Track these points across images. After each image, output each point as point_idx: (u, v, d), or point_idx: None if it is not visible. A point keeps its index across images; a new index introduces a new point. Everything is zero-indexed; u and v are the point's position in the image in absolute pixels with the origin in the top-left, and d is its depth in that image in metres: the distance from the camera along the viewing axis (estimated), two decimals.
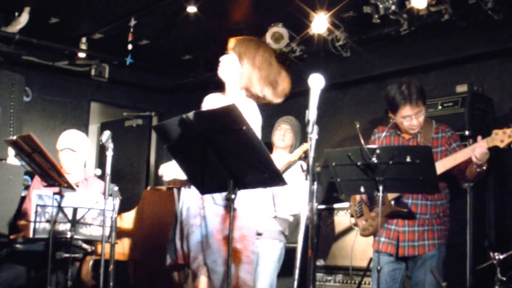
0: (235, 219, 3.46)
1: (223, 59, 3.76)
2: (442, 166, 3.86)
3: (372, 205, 4.33)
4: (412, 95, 4.01)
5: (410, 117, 4.06)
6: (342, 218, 5.62)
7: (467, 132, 4.92)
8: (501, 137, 3.76)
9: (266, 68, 3.72)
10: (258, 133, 3.51)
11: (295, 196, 5.01)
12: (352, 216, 4.53)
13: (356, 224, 4.47)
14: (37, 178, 5.16)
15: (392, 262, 4.15)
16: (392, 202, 4.13)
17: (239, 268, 3.49)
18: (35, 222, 4.43)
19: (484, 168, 3.86)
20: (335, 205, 5.72)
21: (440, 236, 4.09)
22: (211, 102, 3.79)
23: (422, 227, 4.07)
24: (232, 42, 3.78)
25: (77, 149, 5.19)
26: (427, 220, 4.07)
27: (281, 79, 3.78)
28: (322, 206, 5.76)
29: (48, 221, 4.42)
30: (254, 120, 3.56)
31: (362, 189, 3.83)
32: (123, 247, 5.32)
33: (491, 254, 4.02)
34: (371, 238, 4.35)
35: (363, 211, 4.38)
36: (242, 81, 3.70)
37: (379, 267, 3.80)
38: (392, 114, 4.18)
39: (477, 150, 3.78)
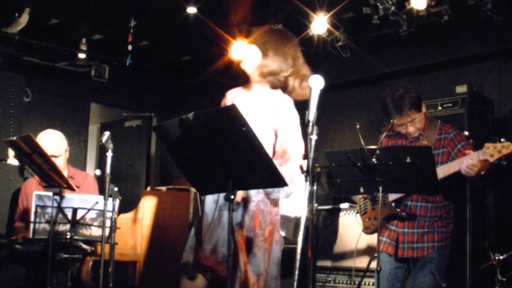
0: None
1: (246, 51, 3.62)
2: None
3: (374, 203, 4.33)
4: (403, 107, 4.00)
5: (404, 125, 4.08)
6: (342, 219, 5.62)
7: (466, 133, 4.90)
8: (491, 152, 3.73)
9: (291, 58, 3.59)
10: (298, 130, 3.46)
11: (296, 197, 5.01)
12: (357, 213, 4.54)
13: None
14: (36, 179, 5.16)
15: (394, 261, 4.15)
16: (393, 204, 4.14)
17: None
18: (34, 222, 4.43)
19: (482, 172, 3.85)
20: (335, 206, 5.73)
21: (441, 239, 4.07)
22: (238, 98, 3.67)
23: (421, 229, 4.06)
24: (255, 35, 3.66)
25: (59, 153, 5.19)
26: (427, 222, 4.06)
27: (305, 70, 3.62)
28: (326, 207, 5.77)
29: (47, 221, 4.42)
30: (293, 116, 3.48)
31: (361, 190, 3.83)
32: (122, 248, 5.31)
33: (491, 254, 4.01)
34: (371, 239, 4.36)
35: (367, 208, 4.39)
36: (266, 70, 3.56)
37: (379, 268, 3.80)
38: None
39: (465, 162, 3.78)
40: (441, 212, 4.09)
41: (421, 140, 4.12)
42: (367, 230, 4.42)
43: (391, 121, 4.17)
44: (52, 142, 5.21)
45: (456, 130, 4.15)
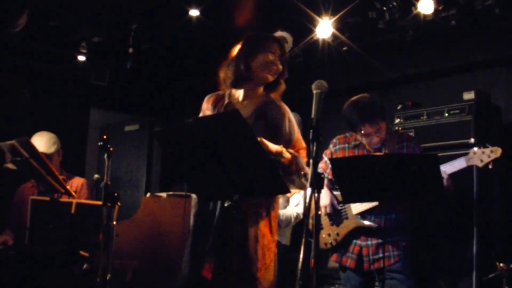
0: None
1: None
2: None
3: (336, 218, 4.23)
4: (373, 114, 4.01)
5: (371, 135, 4.07)
6: None
7: (472, 140, 4.85)
8: (479, 157, 3.78)
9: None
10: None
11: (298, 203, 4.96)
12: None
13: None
14: (33, 182, 5.12)
15: (358, 276, 4.15)
16: (358, 217, 4.14)
17: None
18: (31, 228, 4.38)
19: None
20: None
21: (404, 248, 4.05)
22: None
23: (383, 239, 4.02)
24: None
25: (49, 151, 5.12)
26: (389, 233, 4.04)
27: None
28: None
29: (44, 228, 4.38)
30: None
31: (365, 197, 3.77)
32: (121, 255, 5.23)
33: (498, 264, 3.97)
34: None
35: (323, 224, 4.28)
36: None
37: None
38: (352, 132, 4.20)
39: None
40: (402, 222, 4.07)
41: (383, 150, 4.10)
42: (327, 246, 4.29)
43: (360, 130, 4.10)
44: (43, 140, 5.15)
45: (415, 140, 4.20)
